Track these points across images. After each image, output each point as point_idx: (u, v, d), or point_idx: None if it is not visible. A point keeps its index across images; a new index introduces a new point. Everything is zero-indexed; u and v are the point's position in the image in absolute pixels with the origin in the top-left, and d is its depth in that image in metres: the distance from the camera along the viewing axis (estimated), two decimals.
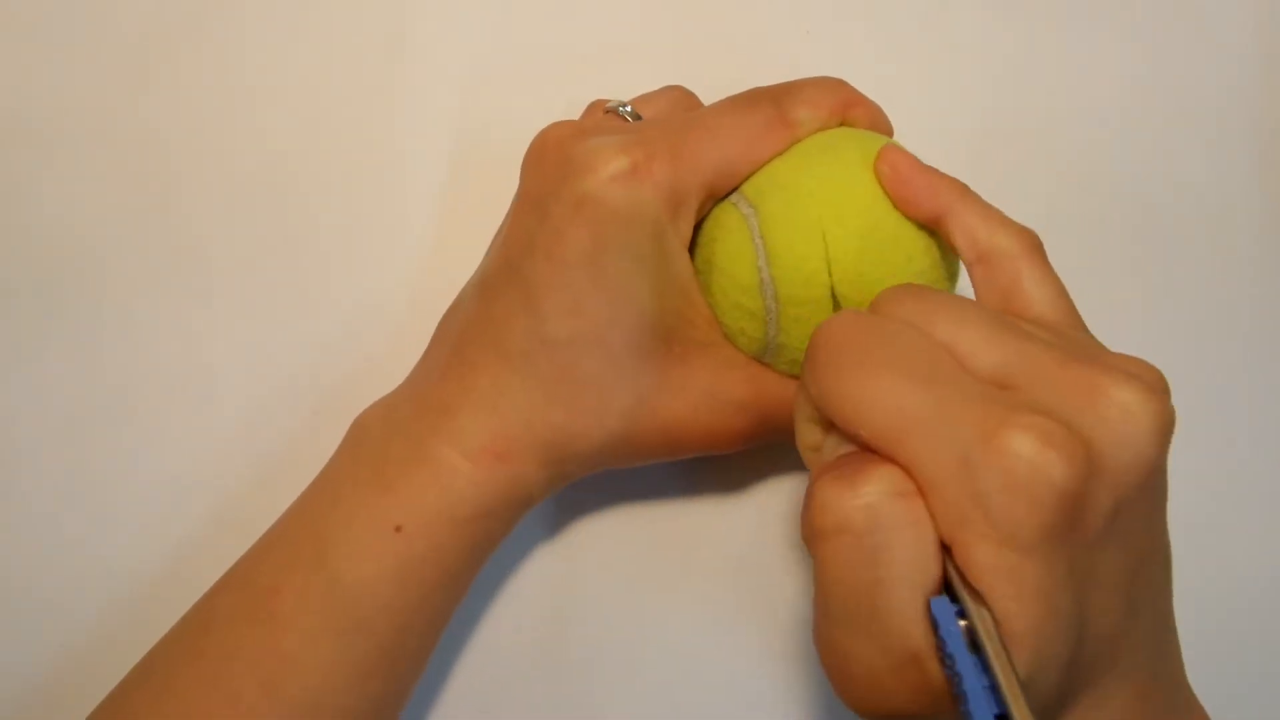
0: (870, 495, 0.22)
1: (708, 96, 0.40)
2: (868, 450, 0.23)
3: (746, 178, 0.32)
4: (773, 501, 0.37)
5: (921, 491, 0.23)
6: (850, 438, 0.24)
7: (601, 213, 0.29)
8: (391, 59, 0.41)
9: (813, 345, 0.25)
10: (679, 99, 0.35)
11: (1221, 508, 0.37)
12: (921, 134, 0.39)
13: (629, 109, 0.34)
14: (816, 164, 0.31)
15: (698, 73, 0.40)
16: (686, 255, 0.31)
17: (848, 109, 0.32)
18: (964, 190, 0.29)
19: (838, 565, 0.23)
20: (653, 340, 0.30)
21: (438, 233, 0.39)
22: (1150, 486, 0.24)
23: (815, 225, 0.30)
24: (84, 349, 0.38)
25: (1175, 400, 0.37)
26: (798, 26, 0.40)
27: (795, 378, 0.32)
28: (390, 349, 0.38)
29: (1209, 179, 0.40)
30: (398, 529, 0.29)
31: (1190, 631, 0.27)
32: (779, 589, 0.36)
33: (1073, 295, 0.38)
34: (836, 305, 0.30)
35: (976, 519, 0.22)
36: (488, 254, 0.33)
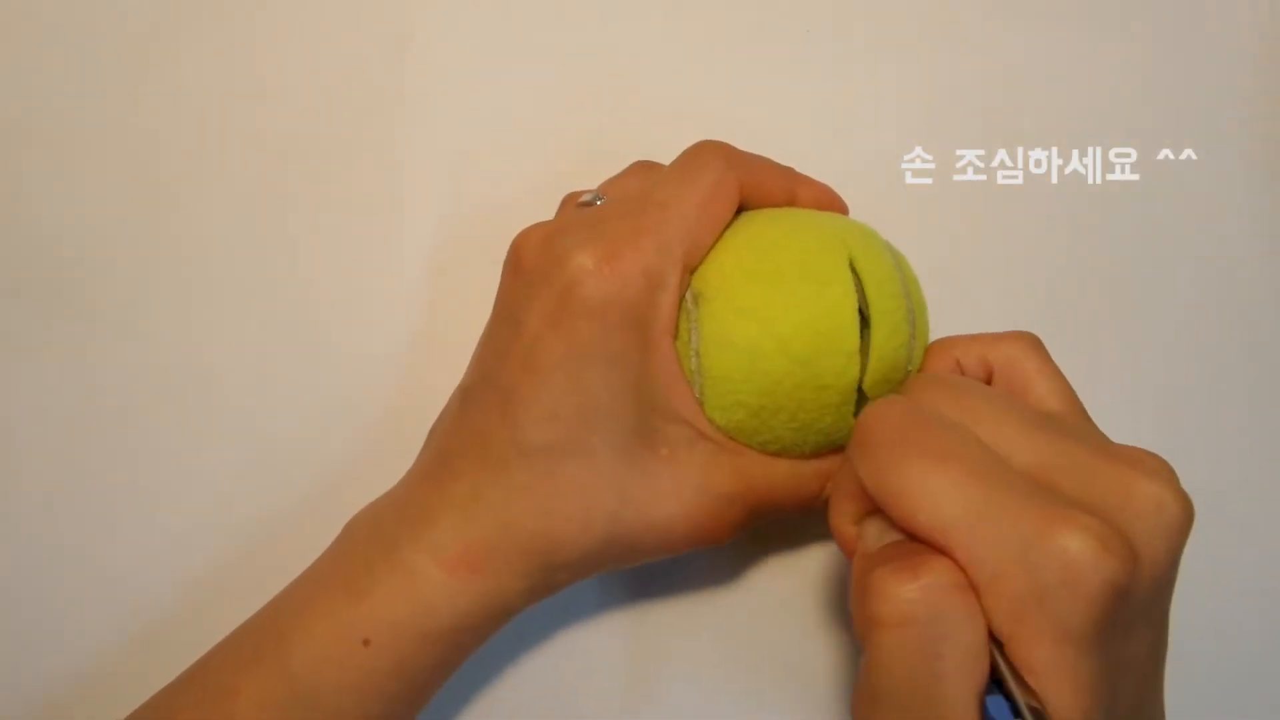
0: (932, 588, 0.23)
1: (708, 97, 0.40)
2: (916, 540, 0.24)
3: (709, 247, 0.31)
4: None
5: (975, 586, 0.23)
6: (901, 526, 0.24)
7: (574, 320, 0.29)
8: (394, 57, 0.40)
9: (865, 429, 0.25)
10: (644, 174, 0.34)
11: (1222, 512, 0.37)
12: (922, 133, 0.39)
13: (602, 199, 0.33)
14: (758, 274, 0.31)
15: (698, 74, 0.40)
16: (670, 340, 0.31)
17: (795, 188, 0.33)
18: (956, 338, 0.31)
19: (896, 656, 0.23)
20: (635, 443, 0.30)
21: (439, 233, 0.39)
22: (1174, 574, 0.25)
23: (748, 348, 0.30)
24: (84, 350, 0.38)
25: (1172, 405, 0.38)
26: (798, 26, 0.40)
27: (776, 456, 0.32)
28: (392, 349, 0.38)
29: (1208, 178, 0.40)
30: (365, 642, 0.29)
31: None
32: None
33: (1072, 295, 0.39)
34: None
35: (1034, 615, 0.23)
36: (469, 364, 0.33)
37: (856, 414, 0.31)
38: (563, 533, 0.30)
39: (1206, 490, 0.37)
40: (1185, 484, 0.25)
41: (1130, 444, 0.26)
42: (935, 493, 0.24)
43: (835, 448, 0.32)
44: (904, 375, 0.31)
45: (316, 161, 0.40)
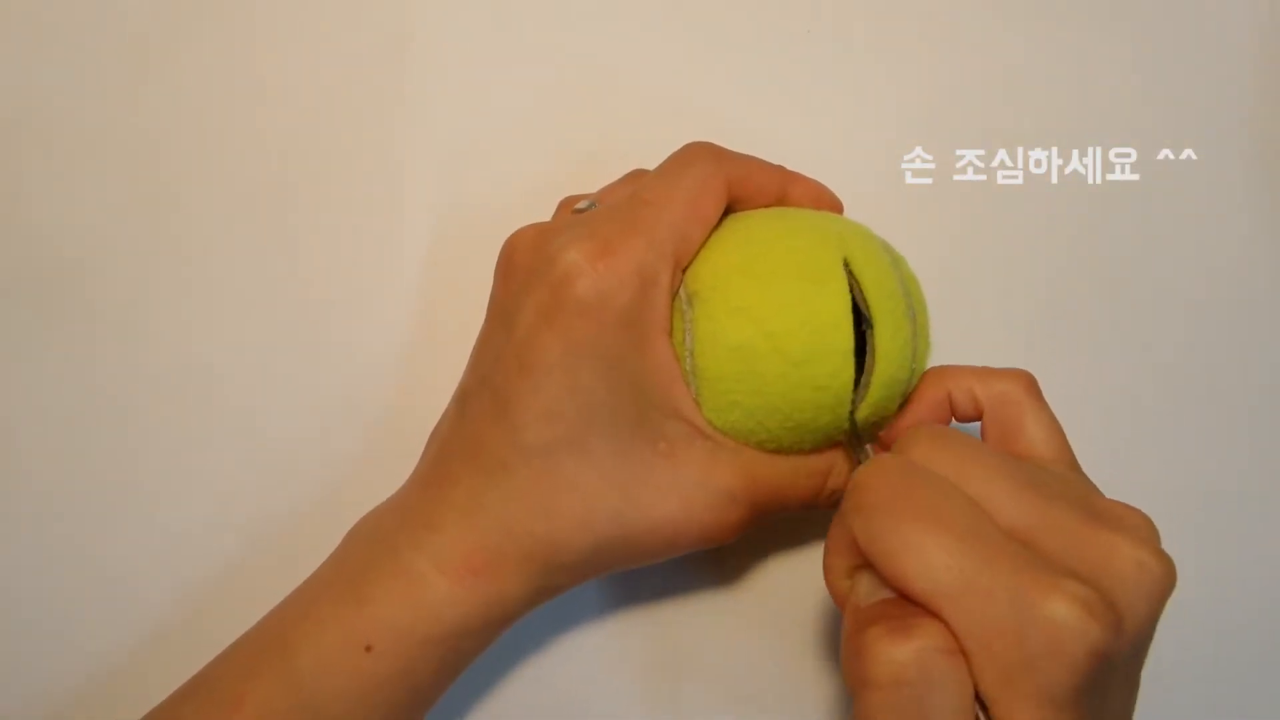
0: (923, 651, 0.24)
1: (708, 98, 0.40)
2: (909, 600, 0.24)
3: (699, 244, 0.31)
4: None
5: (964, 649, 0.24)
6: (893, 587, 0.25)
7: (568, 318, 0.29)
8: (394, 57, 0.40)
9: (860, 488, 0.26)
10: (636, 179, 0.34)
11: (1222, 512, 0.37)
12: (922, 133, 0.40)
13: (596, 206, 0.33)
14: (752, 273, 0.31)
15: (698, 75, 0.40)
16: (665, 337, 0.31)
17: (788, 186, 0.33)
18: (950, 369, 0.31)
19: (886, 715, 0.24)
20: (634, 440, 0.30)
21: (439, 233, 0.39)
22: (1152, 633, 0.25)
23: (742, 347, 0.30)
24: (84, 350, 0.38)
25: (1171, 405, 0.38)
26: (798, 27, 0.40)
27: (775, 453, 0.32)
28: (392, 349, 0.38)
29: (1208, 178, 0.40)
30: (368, 648, 0.29)
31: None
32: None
33: (1072, 295, 0.39)
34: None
35: (1020, 680, 0.23)
36: (466, 368, 0.33)
37: (853, 413, 0.31)
38: (564, 533, 0.30)
39: (1206, 490, 0.37)
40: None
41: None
42: (928, 557, 0.24)
43: (836, 446, 0.32)
44: (910, 375, 0.31)
45: (316, 161, 0.40)
